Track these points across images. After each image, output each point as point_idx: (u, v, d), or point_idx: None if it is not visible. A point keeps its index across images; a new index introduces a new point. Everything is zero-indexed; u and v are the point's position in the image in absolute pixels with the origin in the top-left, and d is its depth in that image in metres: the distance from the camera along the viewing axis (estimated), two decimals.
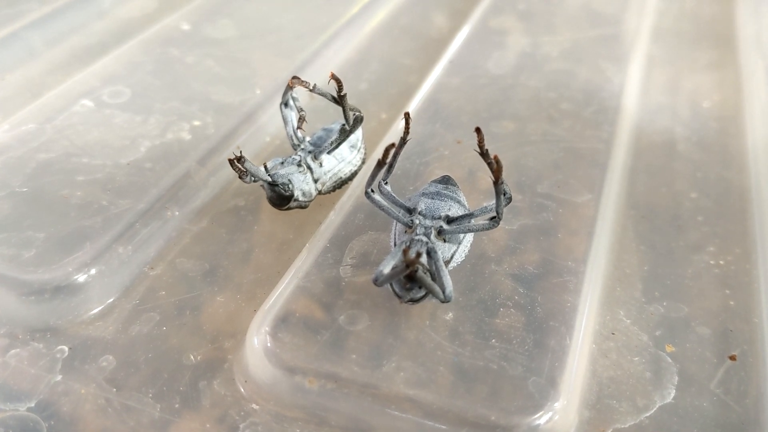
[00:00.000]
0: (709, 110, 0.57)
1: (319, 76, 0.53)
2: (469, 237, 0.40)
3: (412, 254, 0.33)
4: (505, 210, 0.37)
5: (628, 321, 0.40)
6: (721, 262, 0.43)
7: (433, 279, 0.35)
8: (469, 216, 0.38)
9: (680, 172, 0.51)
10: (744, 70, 0.62)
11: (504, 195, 0.37)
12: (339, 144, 0.44)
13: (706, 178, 0.50)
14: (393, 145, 0.38)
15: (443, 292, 0.35)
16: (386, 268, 0.35)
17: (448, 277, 0.35)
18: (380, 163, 0.38)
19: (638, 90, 0.59)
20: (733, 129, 0.55)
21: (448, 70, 0.59)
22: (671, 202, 0.48)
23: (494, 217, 0.37)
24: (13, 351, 0.38)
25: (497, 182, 0.36)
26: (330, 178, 0.45)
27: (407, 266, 0.33)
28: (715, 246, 0.45)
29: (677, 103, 0.58)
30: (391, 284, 0.36)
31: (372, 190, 0.39)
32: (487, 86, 0.57)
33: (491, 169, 0.37)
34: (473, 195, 0.45)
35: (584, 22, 0.67)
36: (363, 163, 0.48)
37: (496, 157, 0.36)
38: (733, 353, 0.38)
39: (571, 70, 0.59)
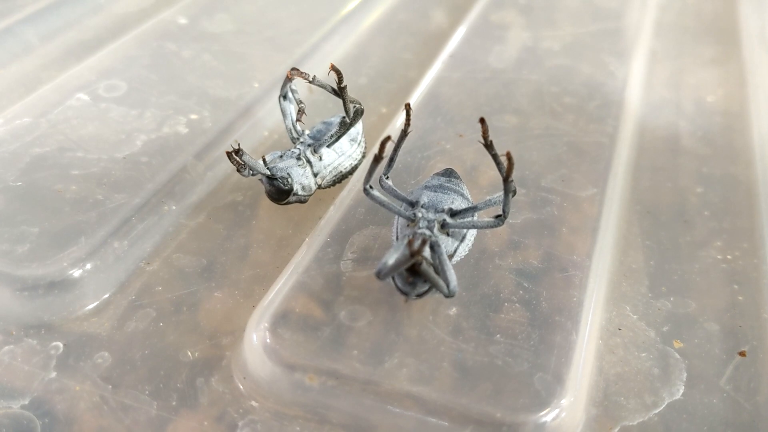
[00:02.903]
0: (714, 105, 0.57)
1: (317, 70, 0.52)
2: (473, 231, 0.39)
3: (416, 245, 0.33)
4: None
5: (635, 317, 0.39)
6: (729, 258, 0.43)
7: (437, 273, 0.35)
8: (473, 209, 0.37)
9: (685, 167, 0.50)
10: (748, 65, 0.62)
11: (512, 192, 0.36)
12: (339, 137, 0.44)
13: (712, 173, 0.49)
14: (389, 138, 0.37)
15: (447, 287, 0.34)
16: (390, 260, 0.34)
17: (452, 271, 0.35)
18: (377, 159, 0.37)
19: (641, 85, 0.58)
20: (739, 124, 0.55)
21: (448, 64, 0.58)
22: (677, 197, 0.47)
23: (500, 216, 0.36)
24: (6, 348, 0.37)
25: (507, 180, 0.35)
26: (330, 172, 0.44)
27: (411, 256, 0.32)
28: (722, 241, 0.44)
29: (681, 98, 0.57)
30: (394, 281, 0.36)
31: (371, 187, 0.38)
32: (488, 80, 0.56)
33: (495, 161, 0.36)
34: (474, 190, 0.44)
35: (586, 16, 0.66)
36: (363, 156, 0.47)
37: (508, 154, 0.35)
38: (743, 349, 0.37)
39: (573, 64, 0.58)
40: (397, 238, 0.38)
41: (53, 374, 0.36)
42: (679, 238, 0.44)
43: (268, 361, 0.35)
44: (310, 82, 0.42)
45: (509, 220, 0.41)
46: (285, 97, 0.45)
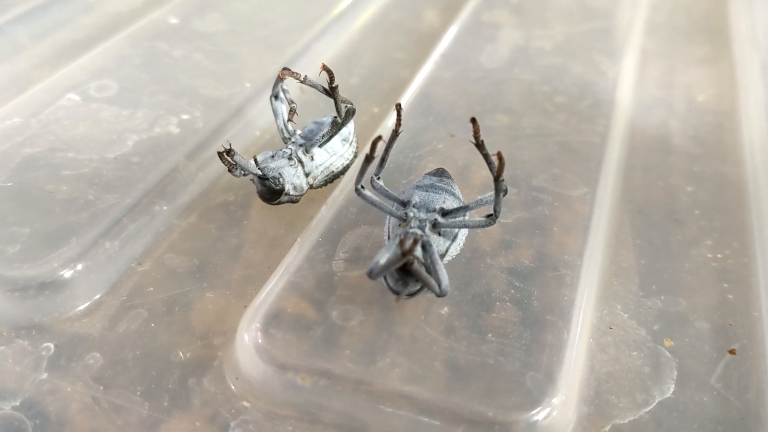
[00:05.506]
0: (705, 104, 0.57)
1: (309, 70, 0.52)
2: (464, 231, 0.39)
3: (408, 244, 0.33)
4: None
5: (626, 315, 0.39)
6: (719, 256, 0.43)
7: (429, 273, 0.35)
8: (465, 208, 0.37)
9: (676, 166, 0.50)
10: (738, 64, 0.62)
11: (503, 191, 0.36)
12: (331, 137, 0.44)
13: (703, 171, 0.50)
14: (380, 138, 0.37)
15: (439, 286, 0.34)
16: (381, 260, 0.34)
17: (444, 270, 0.35)
18: (368, 158, 0.37)
19: (633, 84, 0.58)
20: (729, 123, 0.55)
21: (440, 64, 0.58)
22: (667, 196, 0.47)
23: (491, 215, 0.36)
24: None
25: (498, 179, 0.35)
26: (321, 171, 0.44)
27: (403, 255, 0.33)
28: (712, 240, 0.44)
29: (672, 97, 0.58)
30: (386, 281, 0.36)
31: (362, 187, 0.38)
32: (480, 80, 0.56)
33: (487, 161, 0.36)
34: (466, 190, 0.44)
35: (577, 15, 0.66)
36: (355, 156, 0.47)
37: (499, 154, 0.35)
38: (733, 347, 0.38)
39: (564, 63, 0.59)
40: (388, 238, 0.38)
41: (44, 375, 0.36)
42: (669, 236, 0.44)
43: (260, 361, 0.35)
44: (301, 82, 0.42)
45: (501, 219, 0.41)
46: (276, 97, 0.45)
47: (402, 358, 0.34)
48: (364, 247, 0.40)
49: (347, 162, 0.46)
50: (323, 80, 0.42)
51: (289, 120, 0.45)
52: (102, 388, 0.35)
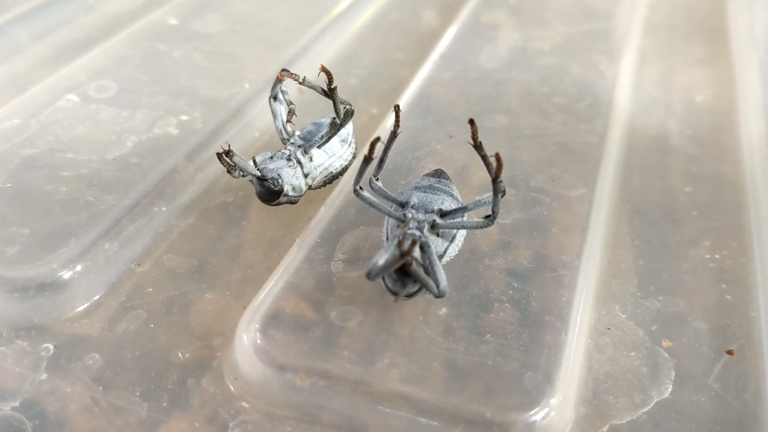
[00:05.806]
0: (703, 104, 0.57)
1: (308, 70, 0.52)
2: (463, 232, 0.39)
3: (406, 245, 0.33)
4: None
5: (624, 316, 0.39)
6: (717, 257, 0.43)
7: (427, 273, 0.35)
8: (463, 209, 0.37)
9: (674, 166, 0.50)
10: (737, 64, 0.62)
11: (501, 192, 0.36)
12: (329, 138, 0.44)
13: (701, 172, 0.50)
14: (378, 139, 0.37)
15: (437, 287, 0.34)
16: (380, 261, 0.34)
17: (442, 271, 0.35)
18: (367, 159, 0.38)
19: (631, 84, 0.58)
20: (727, 123, 0.55)
21: (439, 64, 0.58)
22: (666, 196, 0.48)
23: (489, 216, 0.37)
24: None
25: (496, 180, 0.35)
26: (320, 172, 0.45)
27: (401, 256, 0.33)
28: (710, 240, 0.44)
29: (671, 98, 0.58)
30: (385, 281, 0.36)
31: (361, 188, 0.38)
32: (479, 80, 0.56)
33: (485, 162, 0.36)
34: (465, 191, 0.44)
35: (576, 16, 0.66)
36: (353, 157, 0.47)
37: (497, 155, 0.35)
38: (731, 348, 0.38)
39: (563, 64, 0.59)
40: (387, 239, 0.38)
41: (44, 376, 0.36)
42: (667, 237, 0.44)
43: (259, 362, 0.35)
44: (300, 83, 0.42)
45: (499, 220, 0.41)
46: (275, 98, 0.45)
47: (401, 358, 0.34)
48: (363, 248, 0.40)
49: (346, 163, 0.46)
50: (322, 81, 0.42)
51: (287, 121, 0.45)
52: (101, 388, 0.35)
